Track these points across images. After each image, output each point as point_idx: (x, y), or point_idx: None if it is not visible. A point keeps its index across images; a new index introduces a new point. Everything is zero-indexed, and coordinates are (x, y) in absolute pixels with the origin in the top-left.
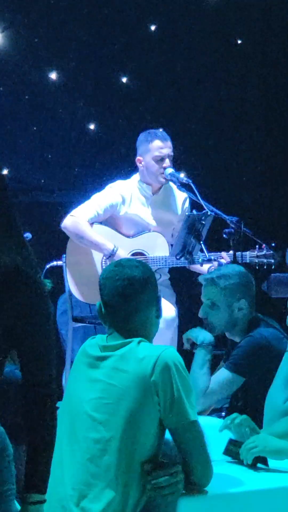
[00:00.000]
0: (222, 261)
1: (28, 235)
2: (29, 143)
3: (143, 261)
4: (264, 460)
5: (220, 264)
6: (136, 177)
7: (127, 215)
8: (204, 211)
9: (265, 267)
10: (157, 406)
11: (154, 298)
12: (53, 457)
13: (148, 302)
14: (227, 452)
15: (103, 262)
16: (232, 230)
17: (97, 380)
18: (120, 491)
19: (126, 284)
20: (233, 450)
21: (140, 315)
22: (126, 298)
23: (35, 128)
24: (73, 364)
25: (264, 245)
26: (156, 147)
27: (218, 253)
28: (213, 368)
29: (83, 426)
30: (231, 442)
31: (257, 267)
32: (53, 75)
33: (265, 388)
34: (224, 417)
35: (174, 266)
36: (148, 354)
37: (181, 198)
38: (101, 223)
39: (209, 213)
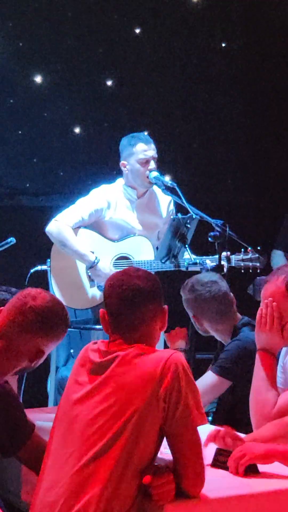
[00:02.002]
0: (208, 261)
1: (12, 239)
2: (13, 146)
3: (150, 270)
4: (254, 468)
5: (205, 268)
6: (120, 181)
7: (112, 220)
8: (189, 215)
9: (250, 270)
10: (162, 412)
11: (159, 309)
12: (48, 460)
13: (153, 313)
14: (215, 463)
15: (87, 269)
16: (217, 233)
17: (99, 385)
18: (110, 498)
19: (133, 293)
20: (221, 460)
21: (144, 325)
22: (132, 307)
23: (19, 132)
24: (72, 369)
25: (249, 248)
26: (140, 150)
27: (204, 257)
28: (203, 372)
29: (83, 430)
30: (219, 452)
31: (242, 271)
32: (38, 79)
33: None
34: (211, 422)
35: (160, 270)
36: (155, 358)
37: (165, 201)
38: (86, 227)
39: (194, 216)
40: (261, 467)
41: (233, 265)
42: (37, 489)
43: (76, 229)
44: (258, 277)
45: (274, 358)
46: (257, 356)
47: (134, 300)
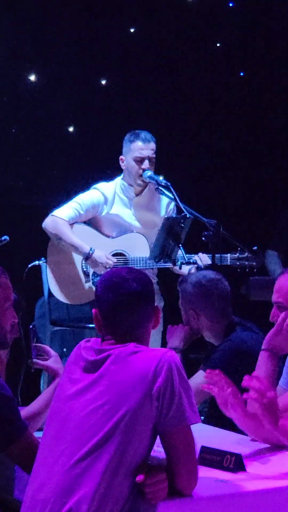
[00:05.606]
0: (202, 255)
1: (6, 237)
2: (8, 145)
3: (142, 270)
4: (241, 465)
5: (199, 267)
6: (119, 178)
7: (108, 216)
8: (183, 214)
9: (247, 269)
10: (155, 411)
11: (153, 310)
12: (39, 458)
13: (148, 315)
14: (201, 460)
15: (83, 263)
16: (211, 233)
17: (93, 383)
18: (103, 496)
19: (130, 298)
20: (207, 458)
21: (140, 327)
22: (129, 312)
23: (13, 130)
24: (65, 367)
25: (240, 248)
26: (137, 147)
27: (196, 255)
28: (194, 372)
29: (75, 428)
30: (204, 450)
31: (238, 270)
32: (32, 77)
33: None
34: (203, 421)
35: (155, 267)
36: (148, 356)
37: (165, 200)
38: (83, 222)
39: (188, 216)
40: (251, 467)
41: (228, 263)
42: (29, 486)
43: (71, 224)
44: (251, 277)
45: (277, 360)
46: (262, 354)
47: (129, 305)
